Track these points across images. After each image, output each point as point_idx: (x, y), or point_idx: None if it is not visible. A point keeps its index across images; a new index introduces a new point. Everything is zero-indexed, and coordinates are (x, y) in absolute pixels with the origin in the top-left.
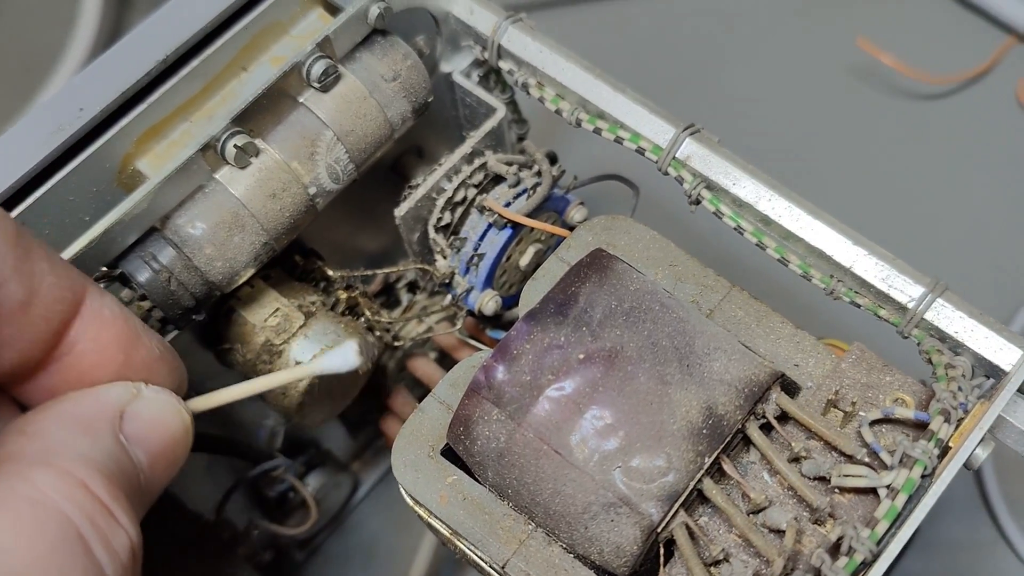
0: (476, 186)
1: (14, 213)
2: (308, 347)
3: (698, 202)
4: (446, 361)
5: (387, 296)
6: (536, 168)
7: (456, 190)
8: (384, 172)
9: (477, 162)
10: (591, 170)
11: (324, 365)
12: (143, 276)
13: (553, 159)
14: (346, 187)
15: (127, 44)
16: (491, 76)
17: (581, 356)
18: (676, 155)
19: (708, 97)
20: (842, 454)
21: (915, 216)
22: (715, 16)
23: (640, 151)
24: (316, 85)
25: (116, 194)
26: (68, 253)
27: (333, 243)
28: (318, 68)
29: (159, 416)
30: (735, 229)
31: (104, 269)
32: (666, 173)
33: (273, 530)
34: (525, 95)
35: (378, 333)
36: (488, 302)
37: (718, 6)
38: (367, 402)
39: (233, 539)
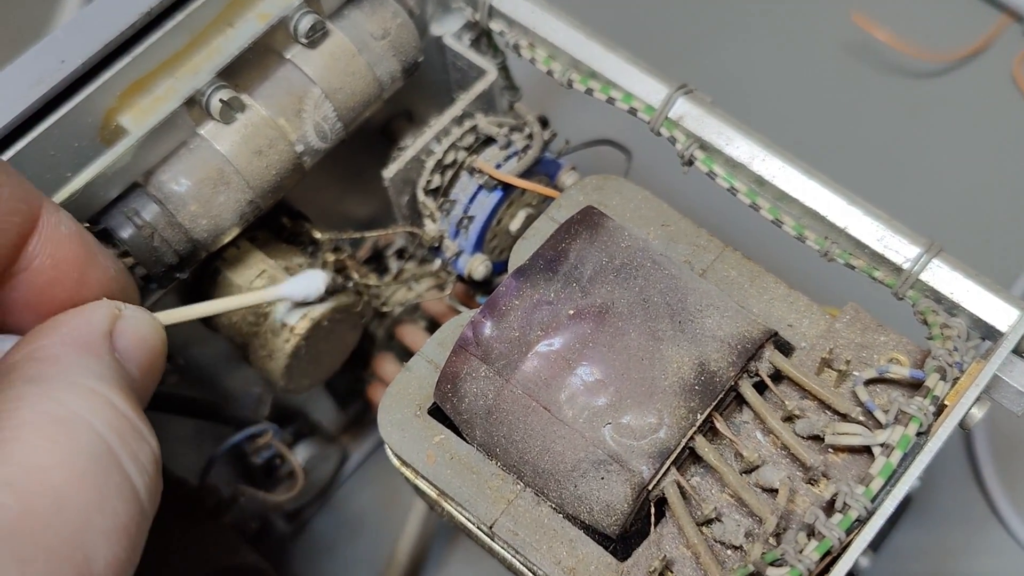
0: (466, 149)
1: None
2: (294, 309)
3: (691, 163)
4: (436, 329)
5: (376, 263)
6: (527, 131)
7: (446, 152)
8: (374, 135)
9: (467, 124)
10: (583, 136)
11: (291, 289)
12: (126, 232)
13: (544, 122)
14: (335, 149)
15: None
16: (482, 39)
17: (571, 312)
18: (669, 115)
19: (700, 71)
20: (836, 413)
21: (909, 192)
22: None
23: (632, 111)
24: (304, 41)
25: (98, 149)
26: (60, 196)
27: (321, 207)
28: (305, 23)
29: (142, 332)
30: (728, 190)
31: (86, 225)
32: (658, 134)
33: (260, 498)
34: (516, 57)
35: (366, 298)
36: (478, 266)
37: None
38: (356, 371)
39: (218, 506)
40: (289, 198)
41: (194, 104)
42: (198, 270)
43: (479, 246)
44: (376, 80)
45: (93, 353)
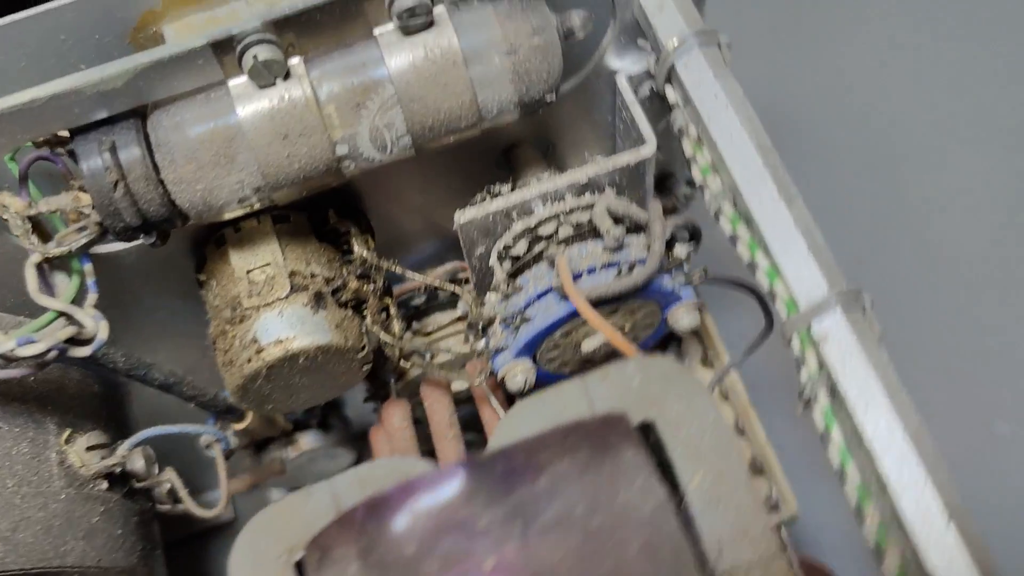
0: (573, 227)
1: None
2: (276, 326)
3: (808, 404)
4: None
5: (428, 299)
6: (651, 238)
7: (545, 222)
8: (495, 150)
9: (587, 199)
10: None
11: None
12: (87, 163)
13: (694, 234)
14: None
15: None
16: (657, 99)
17: (488, 564)
18: (811, 325)
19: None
20: None
21: None
22: None
23: (771, 295)
24: (398, 22)
25: (124, 51)
26: (16, 99)
27: (390, 212)
28: (407, 0)
29: None
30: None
31: (65, 134)
32: (787, 342)
33: (179, 495)
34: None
35: (373, 347)
36: (516, 375)
37: None
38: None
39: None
40: (358, 185)
41: (228, 49)
42: (207, 227)
43: (529, 351)
44: (475, 104)
45: None
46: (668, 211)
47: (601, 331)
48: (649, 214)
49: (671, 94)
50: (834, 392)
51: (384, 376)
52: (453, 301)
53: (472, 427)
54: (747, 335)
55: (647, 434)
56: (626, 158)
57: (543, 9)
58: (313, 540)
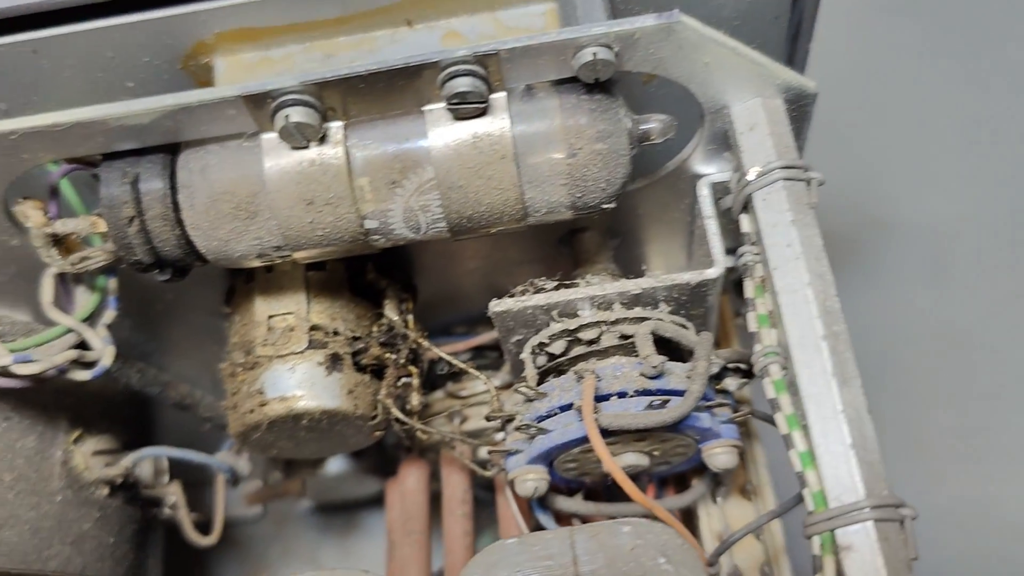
0: (619, 337)
1: (21, 37)
2: (285, 382)
3: None
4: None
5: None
6: (692, 375)
7: (587, 327)
8: (562, 228)
9: (638, 312)
10: None
11: None
12: (107, 191)
13: (750, 370)
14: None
15: None
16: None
17: None
18: (836, 532)
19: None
20: None
21: None
22: None
23: (801, 479)
24: (447, 104)
25: (176, 76)
26: (39, 121)
27: (447, 270)
28: (460, 84)
29: None
30: None
31: (99, 156)
32: (808, 537)
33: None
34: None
35: (388, 416)
36: (525, 481)
37: None
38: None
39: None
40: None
41: (263, 103)
42: None
43: (542, 461)
44: (520, 202)
45: None
46: (741, 315)
47: (610, 471)
48: (698, 346)
49: (745, 224)
50: None
51: (411, 431)
52: (496, 367)
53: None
54: None
55: None
56: (687, 277)
57: (616, 113)
58: None
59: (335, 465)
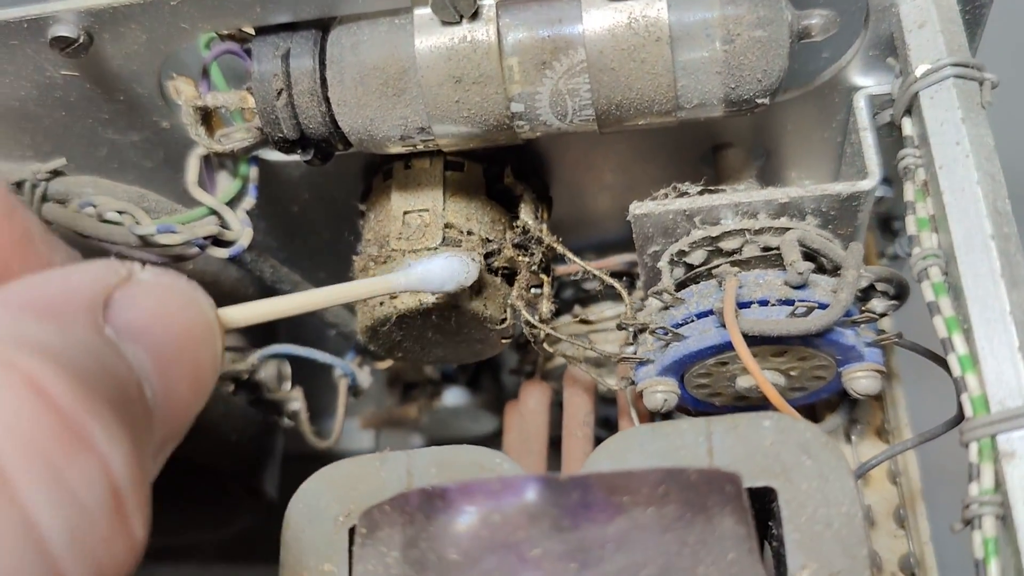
0: (761, 248)
1: None
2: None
3: (970, 523)
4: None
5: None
6: (840, 284)
7: (729, 235)
8: (705, 144)
9: (783, 221)
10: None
11: (422, 279)
12: (259, 65)
13: (900, 291)
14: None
15: None
16: (896, 130)
17: None
18: (998, 436)
19: None
20: None
21: None
22: None
23: (961, 384)
24: None
25: None
26: None
27: (583, 185)
28: None
29: (164, 305)
30: None
31: (250, 32)
32: (965, 444)
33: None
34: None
35: (516, 323)
36: (655, 392)
37: None
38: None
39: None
40: (547, 148)
41: None
42: (382, 157)
43: (674, 372)
44: (672, 90)
45: (49, 319)
46: (885, 256)
47: (751, 372)
48: (847, 257)
49: (908, 127)
50: (1005, 522)
51: (534, 353)
52: (629, 293)
53: (616, 427)
54: (945, 410)
55: (766, 502)
56: (839, 188)
57: (777, 1)
58: (368, 511)
59: (452, 396)
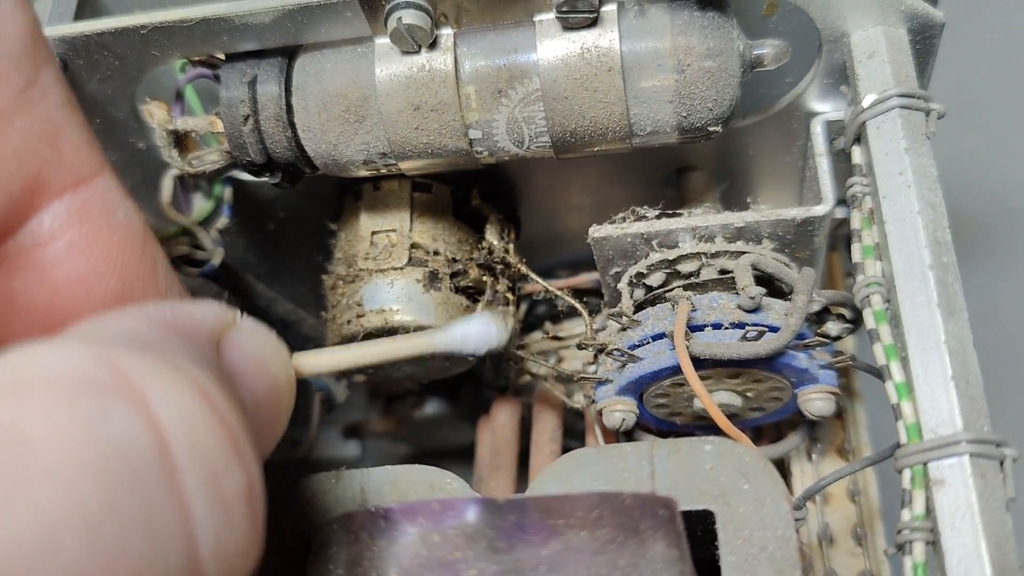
0: (719, 271)
1: None
2: (383, 295)
3: (901, 549)
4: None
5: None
6: (791, 309)
7: (686, 258)
8: (668, 167)
9: (739, 246)
10: None
11: (461, 341)
12: (227, 91)
13: (856, 316)
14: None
15: None
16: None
17: None
18: (929, 464)
19: None
20: None
21: None
22: None
23: (896, 411)
24: (557, 13)
25: None
26: (168, 16)
27: (551, 206)
28: None
29: (261, 353)
30: None
31: (221, 57)
32: (899, 471)
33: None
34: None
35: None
36: (613, 412)
37: None
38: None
39: None
40: (514, 171)
41: (377, 6)
42: (346, 179)
43: (632, 392)
44: (625, 118)
45: (197, 345)
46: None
47: (698, 395)
48: (798, 282)
49: (857, 155)
50: (935, 547)
51: (505, 369)
52: (595, 312)
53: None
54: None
55: (703, 525)
56: (793, 213)
57: (728, 32)
58: (320, 527)
59: (433, 407)
